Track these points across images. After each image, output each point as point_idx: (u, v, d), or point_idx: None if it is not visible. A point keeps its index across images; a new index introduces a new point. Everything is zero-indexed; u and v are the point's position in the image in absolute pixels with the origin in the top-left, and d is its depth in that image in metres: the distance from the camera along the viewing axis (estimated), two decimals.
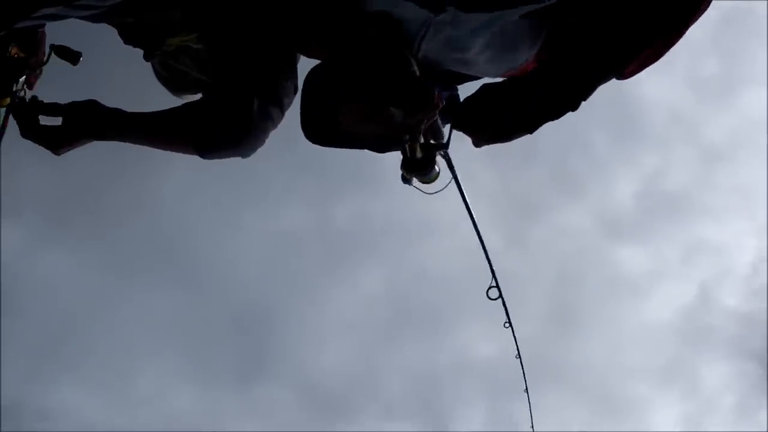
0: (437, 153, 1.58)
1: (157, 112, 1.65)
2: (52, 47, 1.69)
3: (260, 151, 1.68)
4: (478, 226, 2.13)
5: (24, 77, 1.65)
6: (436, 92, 1.39)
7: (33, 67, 1.67)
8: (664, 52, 1.46)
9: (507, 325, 2.28)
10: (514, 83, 1.53)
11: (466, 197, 1.98)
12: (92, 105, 1.63)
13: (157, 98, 1.80)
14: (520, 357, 2.43)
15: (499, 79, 1.58)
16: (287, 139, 1.68)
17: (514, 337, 2.33)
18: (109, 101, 1.65)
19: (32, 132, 1.61)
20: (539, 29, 1.48)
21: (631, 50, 1.45)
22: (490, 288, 2.16)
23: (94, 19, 1.56)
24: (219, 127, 1.61)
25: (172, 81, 1.83)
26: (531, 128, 1.52)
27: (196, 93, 1.78)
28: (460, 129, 1.55)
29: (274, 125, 1.67)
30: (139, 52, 1.73)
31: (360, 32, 1.42)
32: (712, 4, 1.41)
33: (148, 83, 1.84)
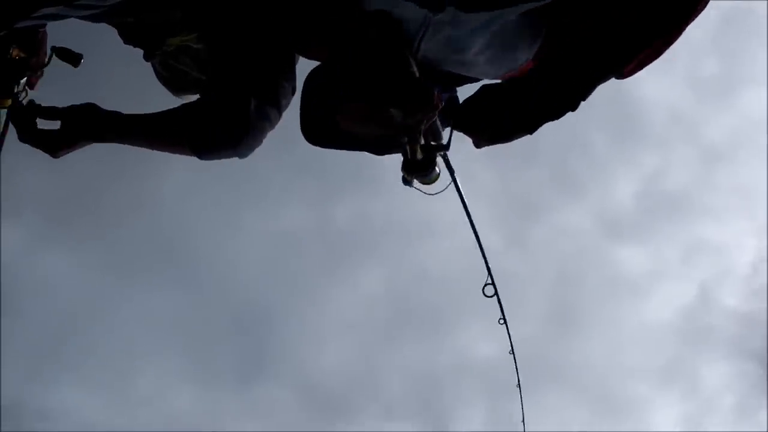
0: (437, 154, 1.58)
1: (154, 113, 1.65)
2: (53, 49, 1.69)
3: (260, 151, 1.68)
4: (475, 224, 2.15)
5: (25, 78, 1.65)
6: (436, 92, 1.39)
7: (34, 68, 1.67)
8: (664, 50, 1.46)
9: (501, 321, 2.30)
10: (514, 83, 1.54)
11: (464, 196, 2.00)
12: (91, 108, 1.63)
13: (157, 98, 1.80)
14: (513, 352, 2.45)
15: (498, 81, 1.58)
16: (287, 140, 1.68)
17: (508, 332, 2.36)
18: (110, 101, 1.66)
19: (30, 136, 1.61)
20: (538, 28, 1.48)
21: (631, 49, 1.45)
22: (485, 285, 2.18)
23: (94, 19, 1.56)
24: (215, 128, 1.61)
25: (172, 81, 1.83)
26: (531, 128, 1.52)
27: (196, 93, 1.78)
28: (460, 129, 1.55)
29: (272, 126, 1.68)
30: (139, 52, 1.73)
31: (360, 32, 1.42)
32: (713, 4, 1.41)
33: (148, 83, 1.85)
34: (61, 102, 1.65)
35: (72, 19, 1.50)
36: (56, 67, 1.71)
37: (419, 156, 1.50)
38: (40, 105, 1.63)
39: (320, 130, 1.50)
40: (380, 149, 1.52)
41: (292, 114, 1.65)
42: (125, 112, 1.65)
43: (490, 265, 2.19)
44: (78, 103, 1.63)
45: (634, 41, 1.45)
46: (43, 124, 1.63)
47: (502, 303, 2.24)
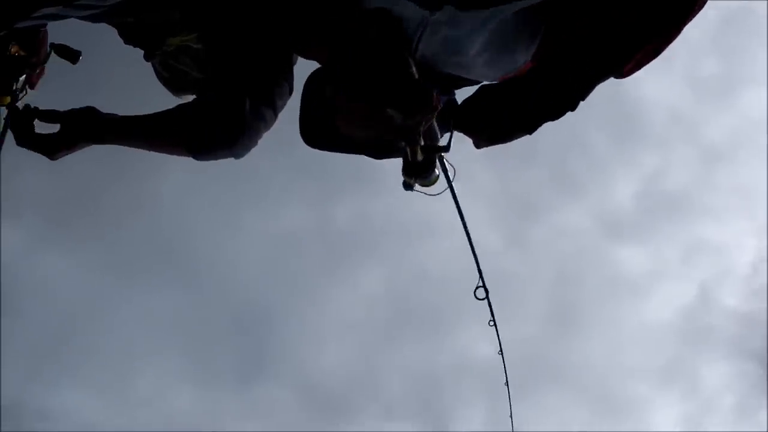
0: (437, 155, 1.58)
1: (151, 114, 1.65)
2: (52, 46, 1.70)
3: (260, 151, 1.68)
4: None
5: (24, 76, 1.66)
6: (435, 94, 1.39)
7: (33, 66, 1.67)
8: (663, 49, 1.46)
9: (491, 323, 2.34)
10: (513, 83, 1.54)
11: (457, 198, 2.02)
12: (90, 111, 1.63)
13: (157, 98, 1.81)
14: (502, 353, 2.50)
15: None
16: (287, 140, 1.68)
17: (497, 334, 2.41)
18: (109, 101, 1.66)
19: (27, 140, 1.61)
20: (537, 27, 1.48)
21: (630, 48, 1.45)
22: (477, 288, 2.21)
23: (94, 19, 1.57)
24: (210, 128, 1.61)
25: (172, 81, 1.83)
26: (530, 129, 1.52)
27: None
28: (459, 130, 1.55)
29: (267, 126, 1.68)
30: (139, 52, 1.73)
31: (360, 32, 1.42)
32: (713, 4, 1.41)
33: (148, 83, 1.85)
34: (61, 102, 1.65)
35: (72, 18, 1.50)
36: (55, 64, 1.71)
37: (419, 157, 1.50)
38: (37, 108, 1.63)
39: (319, 133, 1.50)
40: (378, 153, 1.52)
41: (291, 114, 1.65)
42: (125, 112, 1.66)
43: (481, 268, 2.23)
44: (77, 104, 1.63)
45: (632, 40, 1.44)
46: (40, 127, 1.63)
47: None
